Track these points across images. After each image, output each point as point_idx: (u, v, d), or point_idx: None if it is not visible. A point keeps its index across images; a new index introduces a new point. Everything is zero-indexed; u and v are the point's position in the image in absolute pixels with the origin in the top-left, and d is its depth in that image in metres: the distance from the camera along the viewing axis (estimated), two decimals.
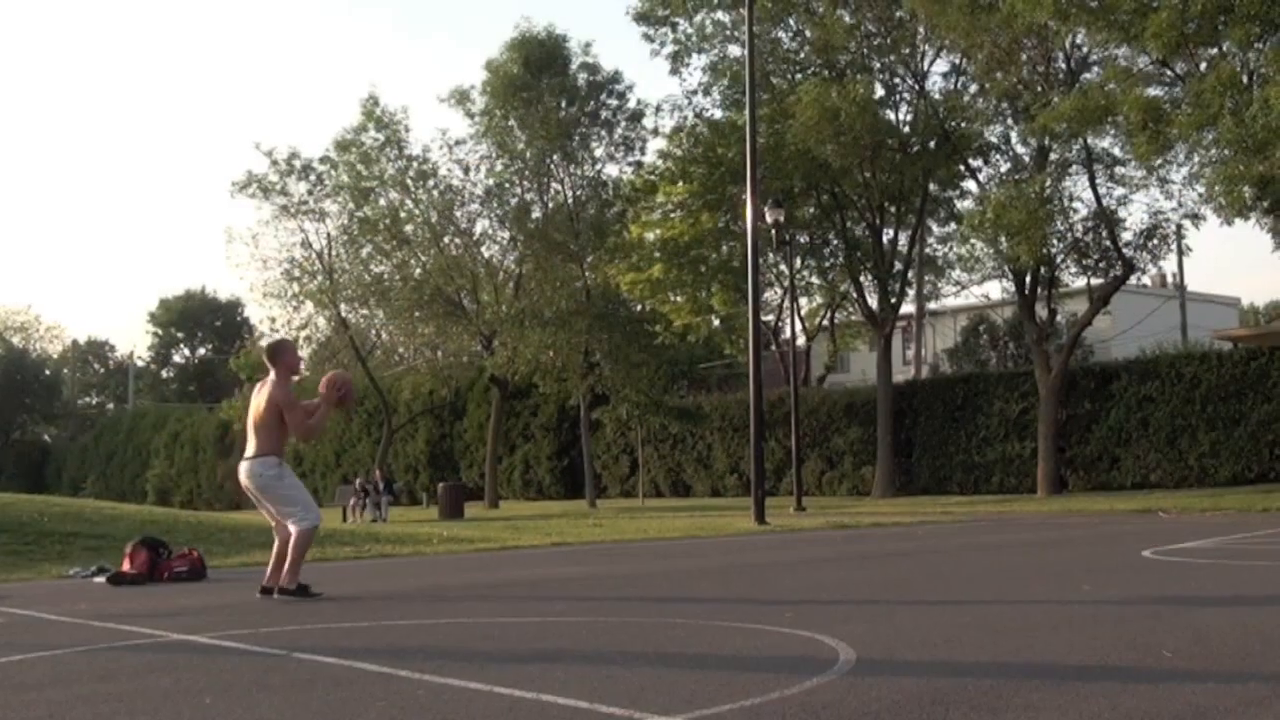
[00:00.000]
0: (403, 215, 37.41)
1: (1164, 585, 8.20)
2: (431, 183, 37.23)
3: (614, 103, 36.71)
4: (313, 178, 38.06)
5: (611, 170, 38.03)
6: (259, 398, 8.62)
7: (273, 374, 8.66)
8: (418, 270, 37.15)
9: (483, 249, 38.21)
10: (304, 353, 51.29)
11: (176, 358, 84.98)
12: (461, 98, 36.82)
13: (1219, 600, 7.24)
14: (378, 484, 32.16)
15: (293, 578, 8.54)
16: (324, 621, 7.17)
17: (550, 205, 36.84)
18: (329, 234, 38.71)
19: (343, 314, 38.83)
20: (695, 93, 34.16)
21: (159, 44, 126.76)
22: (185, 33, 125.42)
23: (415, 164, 37.03)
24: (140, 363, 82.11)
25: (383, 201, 37.71)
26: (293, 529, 8.50)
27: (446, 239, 37.32)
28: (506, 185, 37.05)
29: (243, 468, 8.64)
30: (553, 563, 12.24)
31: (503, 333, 35.26)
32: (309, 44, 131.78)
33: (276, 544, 8.73)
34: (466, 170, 37.19)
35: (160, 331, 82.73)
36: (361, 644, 6.13)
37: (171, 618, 7.57)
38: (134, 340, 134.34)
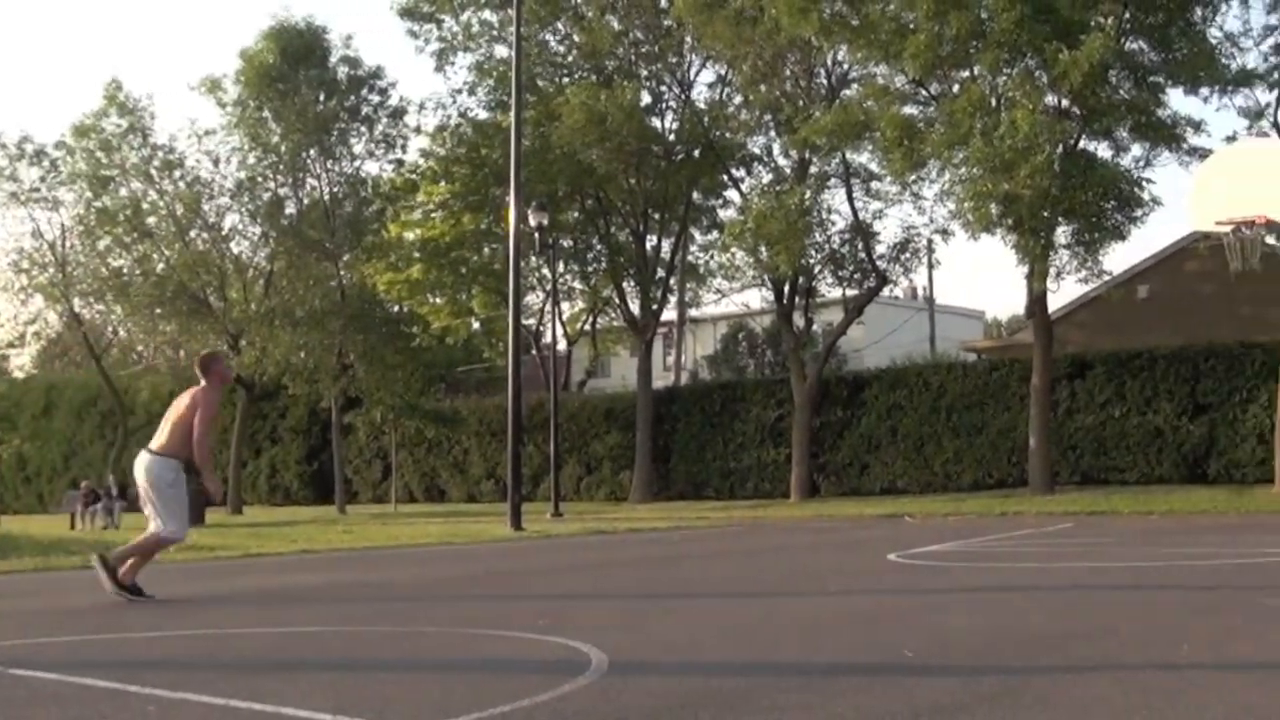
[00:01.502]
0: (145, 207, 35.62)
1: (907, 587, 8.48)
2: (178, 174, 35.58)
3: (375, 98, 35.94)
4: (46, 164, 36.01)
5: (371, 167, 37.23)
6: (185, 399, 8.82)
7: (204, 382, 8.85)
8: (161, 265, 35.41)
9: (232, 245, 36.78)
10: (32, 350, 48.33)
11: None
12: (213, 86, 35.27)
13: (958, 601, 7.51)
14: (110, 489, 30.38)
15: (130, 574, 8.49)
16: (47, 634, 6.66)
17: (305, 201, 35.73)
18: (63, 224, 36.73)
19: (76, 309, 36.65)
20: (460, 92, 33.80)
21: None
22: None
23: (161, 153, 35.35)
24: None
25: (124, 192, 35.83)
26: (153, 529, 8.52)
27: (193, 233, 35.73)
28: (259, 179, 35.73)
29: (142, 459, 8.69)
30: (298, 570, 11.79)
31: (251, 332, 34.07)
32: (46, 21, 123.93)
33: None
34: (216, 162, 35.74)
35: None
36: (88, 658, 5.71)
37: None
38: None
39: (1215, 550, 10.87)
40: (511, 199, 20.83)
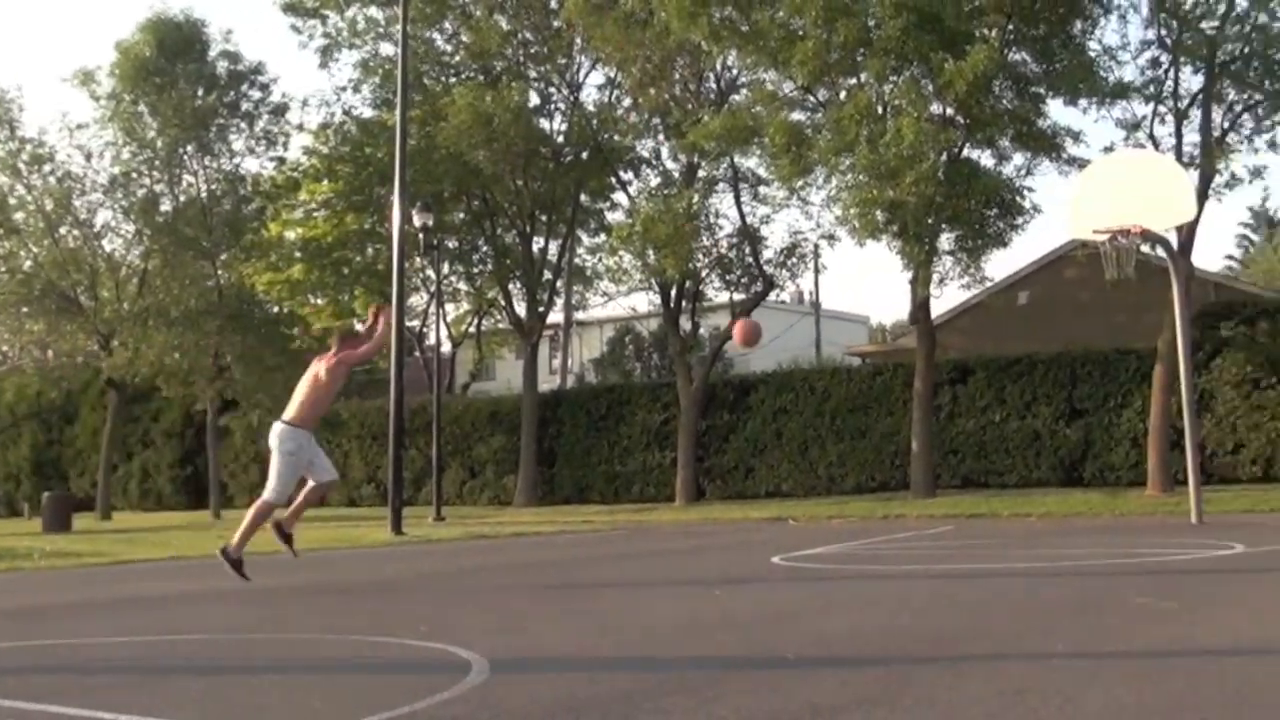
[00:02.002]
0: (12, 202, 34.26)
1: (790, 590, 8.54)
2: (48, 168, 34.28)
3: (256, 94, 35.14)
4: None
5: (251, 165, 36.40)
6: (316, 370, 9.58)
7: (335, 349, 9.71)
8: (28, 262, 34.14)
9: (104, 242, 35.51)
10: None
11: None
12: (86, 79, 34.16)
13: (840, 604, 7.57)
14: None
15: (238, 546, 9.37)
16: None
17: (182, 198, 34.76)
18: None
19: None
20: (344, 89, 33.27)
21: None
22: None
23: (30, 147, 34.04)
24: None
25: None
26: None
27: (63, 229, 34.50)
28: (134, 175, 34.68)
29: (275, 428, 9.45)
30: (171, 577, 11.46)
31: (123, 332, 33.01)
32: None
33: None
34: (89, 157, 34.50)
35: None
36: None
37: None
38: None
39: (1090, 551, 11.16)
40: (396, 199, 20.56)
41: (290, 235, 33.91)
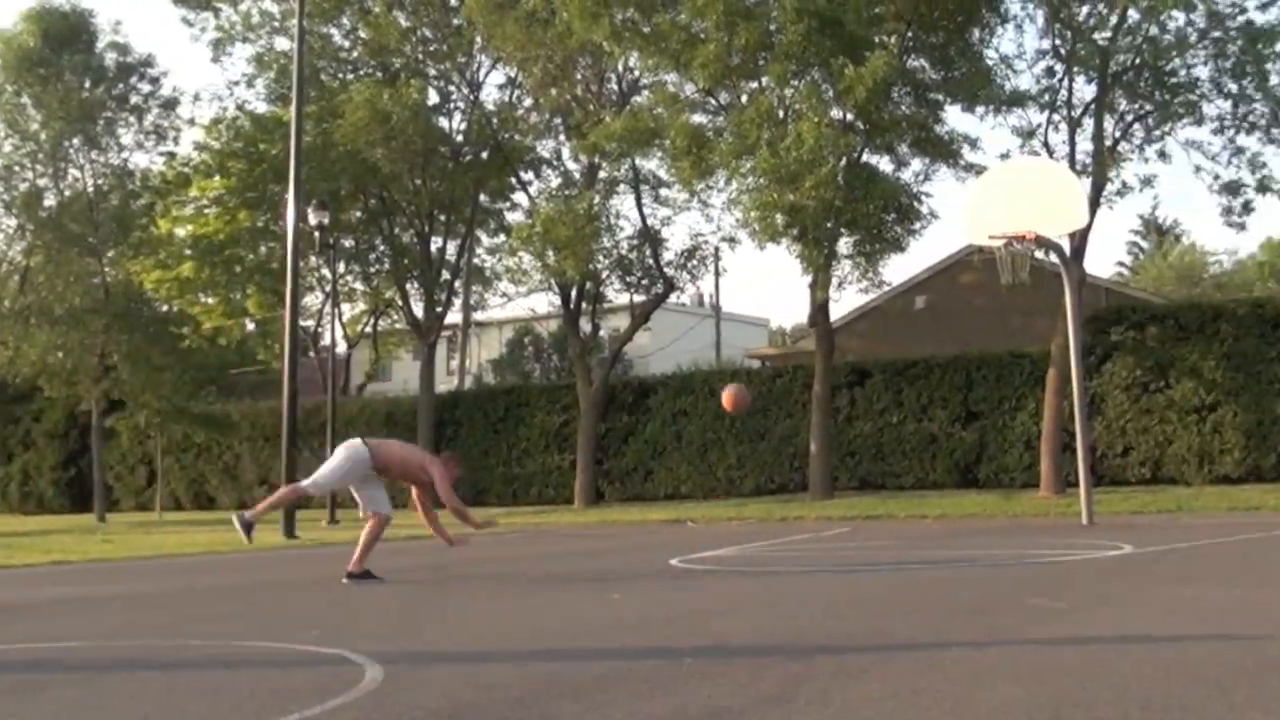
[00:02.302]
0: None
1: (688, 592, 8.51)
2: None
3: (146, 88, 34.35)
4: None
5: (140, 159, 35.60)
6: (431, 459, 10.22)
7: (446, 463, 10.26)
8: None
9: None
10: None
11: None
12: None
13: (737, 605, 7.57)
14: None
15: (257, 513, 9.86)
16: None
17: (68, 193, 33.80)
18: None
19: None
20: (238, 84, 32.69)
21: None
22: None
23: None
24: None
25: None
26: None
27: None
28: (16, 168, 33.69)
29: (354, 440, 9.96)
30: (52, 582, 11.07)
31: (4, 331, 32.10)
32: None
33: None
34: None
35: None
36: None
37: None
38: None
39: (984, 552, 11.33)
40: (291, 196, 20.18)
41: (180, 232, 33.12)
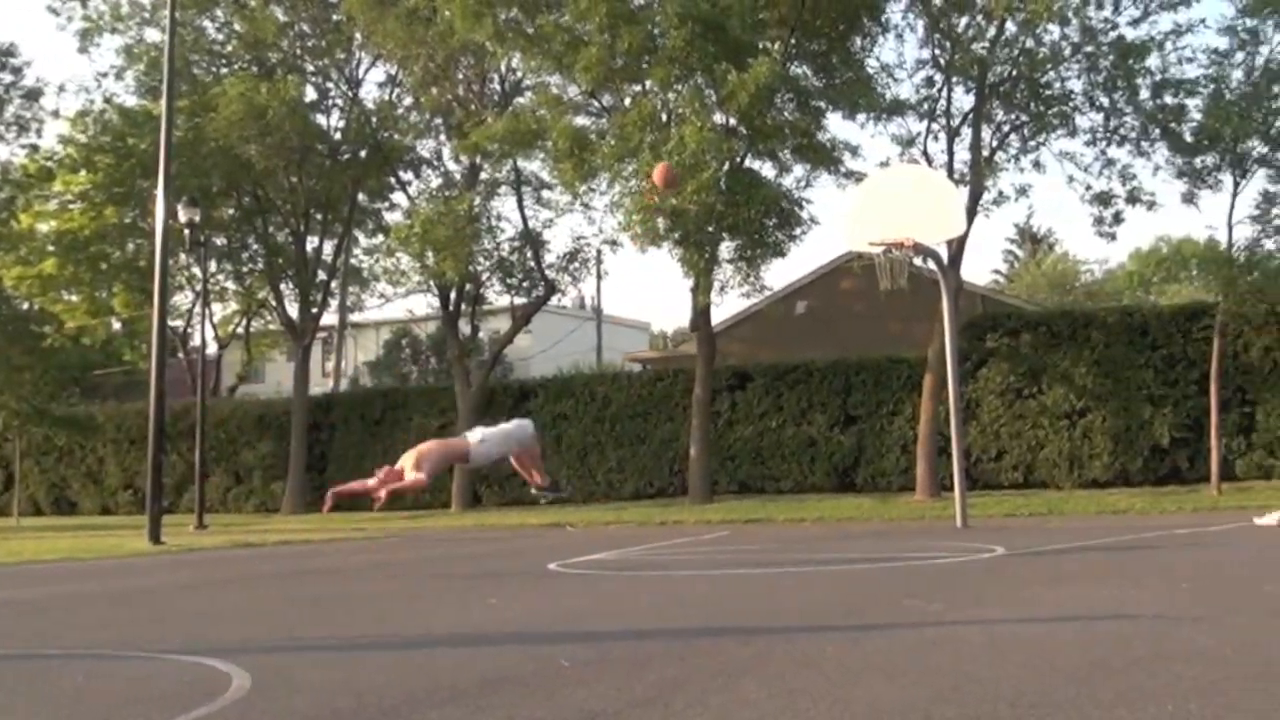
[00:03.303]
0: None
1: (566, 596, 8.46)
2: None
3: (8, 78, 33.15)
4: None
5: (1, 152, 34.17)
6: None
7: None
8: None
9: None
10: None
11: None
12: None
13: (616, 609, 7.55)
14: None
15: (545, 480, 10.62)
16: None
17: None
18: None
19: None
20: (106, 76, 31.76)
21: None
22: None
23: None
24: None
25: None
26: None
27: None
28: None
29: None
30: None
31: None
32: None
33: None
34: None
35: None
36: None
37: None
38: None
39: (861, 554, 11.47)
40: (160, 192, 19.57)
41: (43, 228, 31.99)
